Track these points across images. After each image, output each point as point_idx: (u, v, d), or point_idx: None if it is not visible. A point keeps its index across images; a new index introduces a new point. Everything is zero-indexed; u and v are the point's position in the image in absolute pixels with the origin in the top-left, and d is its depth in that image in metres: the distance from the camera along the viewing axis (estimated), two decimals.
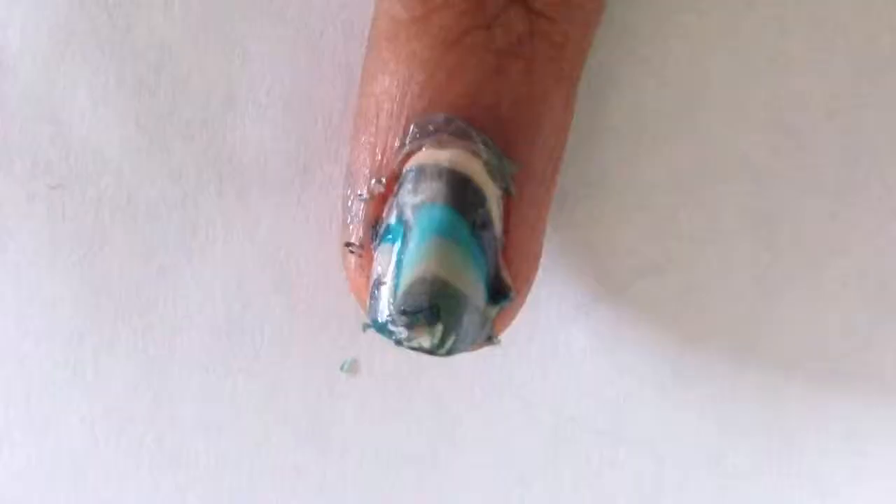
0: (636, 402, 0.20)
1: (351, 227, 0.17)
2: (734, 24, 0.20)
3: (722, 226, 0.20)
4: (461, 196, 0.16)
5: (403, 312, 0.16)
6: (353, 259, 0.17)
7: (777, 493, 0.20)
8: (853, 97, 0.20)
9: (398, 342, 0.16)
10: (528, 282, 0.18)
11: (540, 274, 0.18)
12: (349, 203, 0.17)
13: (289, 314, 0.20)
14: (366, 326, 0.17)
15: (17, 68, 0.19)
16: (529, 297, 0.18)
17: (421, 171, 0.16)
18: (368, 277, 0.17)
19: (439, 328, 0.16)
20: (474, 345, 0.17)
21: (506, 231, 0.17)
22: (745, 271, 0.20)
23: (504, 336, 0.18)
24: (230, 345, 0.20)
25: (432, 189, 0.16)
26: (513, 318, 0.18)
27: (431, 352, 0.16)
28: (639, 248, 0.20)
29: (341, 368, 0.20)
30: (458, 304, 0.16)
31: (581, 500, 0.20)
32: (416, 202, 0.16)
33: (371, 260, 0.17)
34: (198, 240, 0.20)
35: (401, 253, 0.16)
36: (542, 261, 0.18)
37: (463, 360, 0.19)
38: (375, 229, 0.17)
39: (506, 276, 0.17)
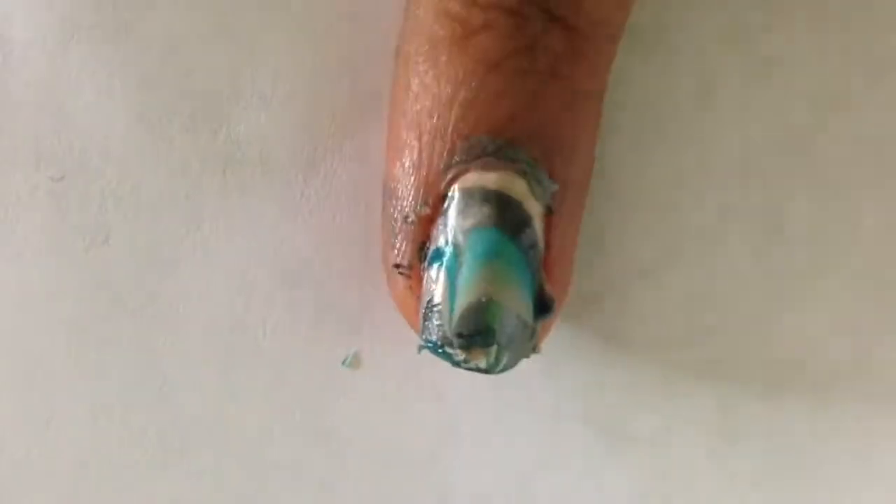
0: (638, 400, 0.20)
1: (397, 250, 0.17)
2: (739, 23, 0.20)
3: (726, 225, 0.20)
4: (509, 218, 0.16)
5: (460, 336, 0.16)
6: (401, 281, 0.17)
7: (779, 493, 0.20)
8: (859, 95, 0.19)
9: (455, 364, 0.17)
10: (566, 291, 0.18)
11: None
12: (394, 225, 0.17)
13: (291, 309, 0.20)
14: (420, 348, 0.17)
15: (22, 60, 0.19)
16: None
17: (469, 194, 0.17)
18: (418, 298, 0.17)
19: (494, 349, 0.16)
20: (524, 357, 0.17)
21: (547, 246, 0.17)
22: (749, 271, 0.20)
23: None
24: (232, 338, 0.20)
25: (482, 213, 0.16)
26: (551, 327, 0.18)
27: (487, 371, 0.17)
28: (643, 246, 0.20)
29: (343, 363, 0.20)
30: (511, 324, 0.16)
31: (582, 498, 0.20)
32: (466, 226, 0.16)
33: (420, 281, 0.17)
34: (201, 233, 0.20)
35: (454, 277, 0.16)
36: None
37: None
38: (423, 251, 0.17)
39: (549, 289, 0.17)
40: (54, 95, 0.19)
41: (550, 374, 0.20)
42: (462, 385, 0.20)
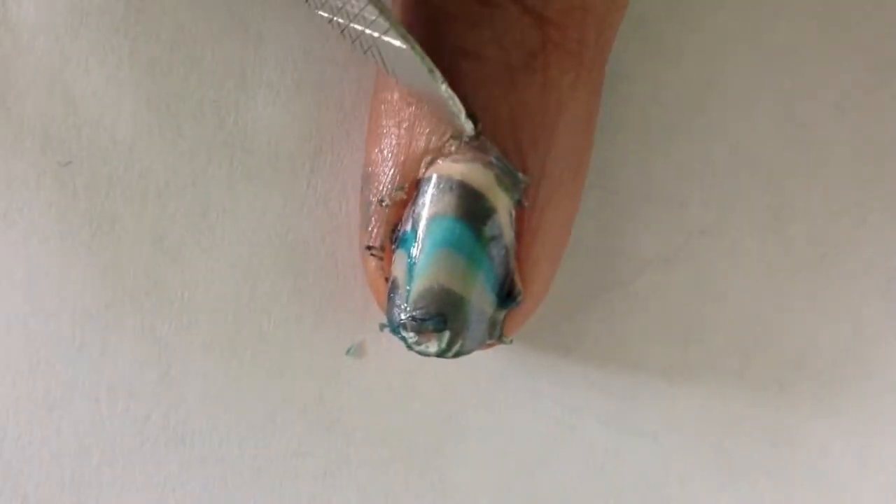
0: (641, 394, 0.20)
1: (372, 232, 0.18)
2: (747, 18, 0.19)
3: (731, 219, 0.20)
4: (471, 209, 0.17)
5: (413, 319, 0.17)
6: (373, 262, 0.18)
7: (779, 487, 0.20)
8: (864, 92, 0.19)
9: (409, 346, 0.17)
10: (542, 284, 0.18)
11: None
12: (370, 208, 0.18)
13: (296, 297, 0.20)
14: (382, 326, 0.18)
15: (31, 45, 0.19)
16: None
17: (436, 183, 0.17)
18: (387, 280, 0.17)
19: (446, 335, 0.17)
20: (483, 346, 0.18)
21: (519, 237, 0.17)
22: (753, 265, 0.20)
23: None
24: (237, 327, 0.20)
25: (444, 202, 0.17)
26: (525, 320, 0.18)
27: (439, 355, 0.17)
28: (648, 239, 0.20)
29: (347, 353, 0.20)
30: (464, 313, 0.17)
31: (584, 491, 0.20)
32: (429, 214, 0.17)
33: (390, 263, 0.17)
34: (207, 221, 0.20)
35: (412, 262, 0.17)
36: None
37: None
38: (395, 234, 0.17)
39: (517, 279, 0.17)
40: (63, 81, 0.19)
41: (554, 369, 0.20)
42: (466, 378, 0.20)
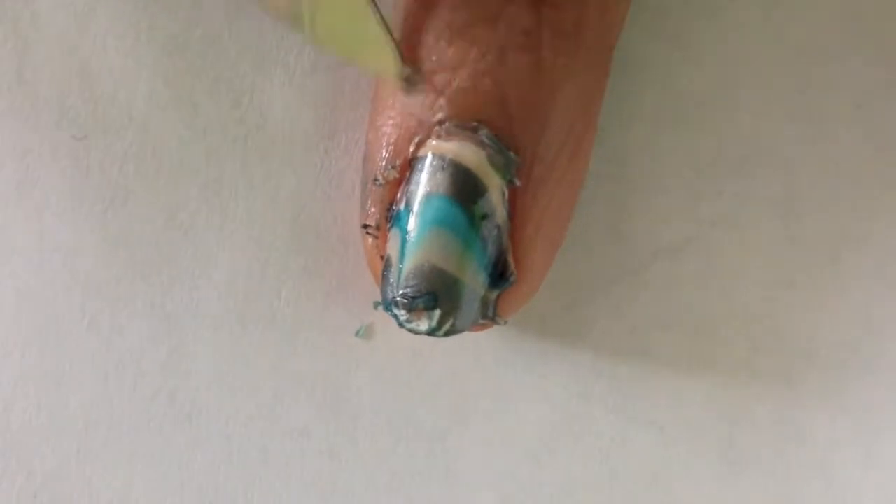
0: (648, 383, 0.20)
1: (368, 210, 0.18)
2: (765, 10, 0.20)
3: (743, 212, 0.20)
4: (462, 188, 0.17)
5: (404, 297, 0.17)
6: (370, 240, 0.18)
7: (785, 481, 0.20)
8: (881, 88, 0.19)
9: (400, 324, 0.17)
10: (538, 266, 0.18)
11: (559, 252, 0.18)
12: (367, 186, 0.18)
13: (307, 277, 0.20)
14: (376, 304, 0.18)
15: (49, 19, 0.19)
16: (548, 274, 0.18)
17: (429, 162, 0.17)
18: (383, 258, 0.18)
19: (437, 313, 0.17)
20: (476, 326, 0.18)
21: (512, 217, 0.17)
22: (764, 258, 0.20)
23: (520, 311, 0.18)
24: (247, 305, 0.20)
25: (435, 180, 0.17)
26: (522, 302, 0.18)
27: (430, 333, 0.17)
28: (659, 229, 0.20)
29: (357, 334, 0.20)
30: (455, 291, 0.17)
31: (589, 478, 0.20)
32: (421, 192, 0.17)
33: (385, 241, 0.18)
34: (220, 199, 0.20)
35: (404, 240, 0.17)
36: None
37: (479, 333, 0.19)
38: (390, 213, 0.17)
39: (510, 260, 0.17)
40: (80, 56, 0.19)
41: (561, 356, 0.20)
42: (474, 362, 0.20)
